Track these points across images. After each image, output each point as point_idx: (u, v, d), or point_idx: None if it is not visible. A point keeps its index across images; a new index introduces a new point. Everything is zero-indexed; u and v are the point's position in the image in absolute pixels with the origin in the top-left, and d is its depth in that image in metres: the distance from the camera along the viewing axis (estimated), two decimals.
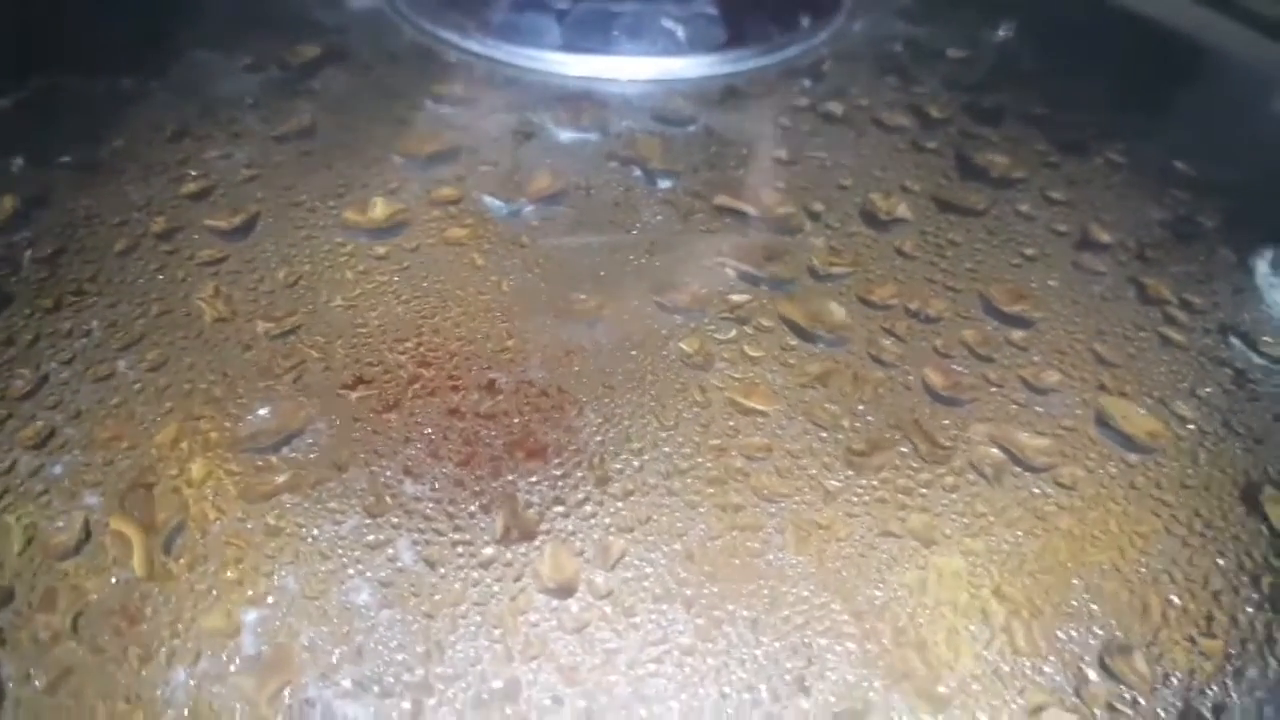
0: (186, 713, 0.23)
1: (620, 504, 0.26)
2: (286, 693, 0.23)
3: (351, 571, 0.25)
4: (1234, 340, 0.32)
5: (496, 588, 0.25)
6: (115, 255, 0.32)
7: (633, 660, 0.24)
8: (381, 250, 0.33)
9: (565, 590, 0.25)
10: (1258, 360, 0.32)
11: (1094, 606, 0.26)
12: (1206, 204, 0.37)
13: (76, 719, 0.23)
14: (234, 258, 0.32)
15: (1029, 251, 0.34)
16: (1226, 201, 0.37)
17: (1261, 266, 0.35)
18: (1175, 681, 0.25)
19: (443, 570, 0.25)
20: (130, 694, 0.23)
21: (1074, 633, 0.25)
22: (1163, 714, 0.24)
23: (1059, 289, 0.33)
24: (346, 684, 0.23)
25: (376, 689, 0.23)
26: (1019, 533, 0.27)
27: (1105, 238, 0.35)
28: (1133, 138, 0.39)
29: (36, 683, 0.24)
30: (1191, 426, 0.30)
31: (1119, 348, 0.31)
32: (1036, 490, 0.28)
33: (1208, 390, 0.31)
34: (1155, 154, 0.39)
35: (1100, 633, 0.25)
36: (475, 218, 0.34)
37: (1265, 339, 0.32)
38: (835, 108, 0.38)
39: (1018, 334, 0.31)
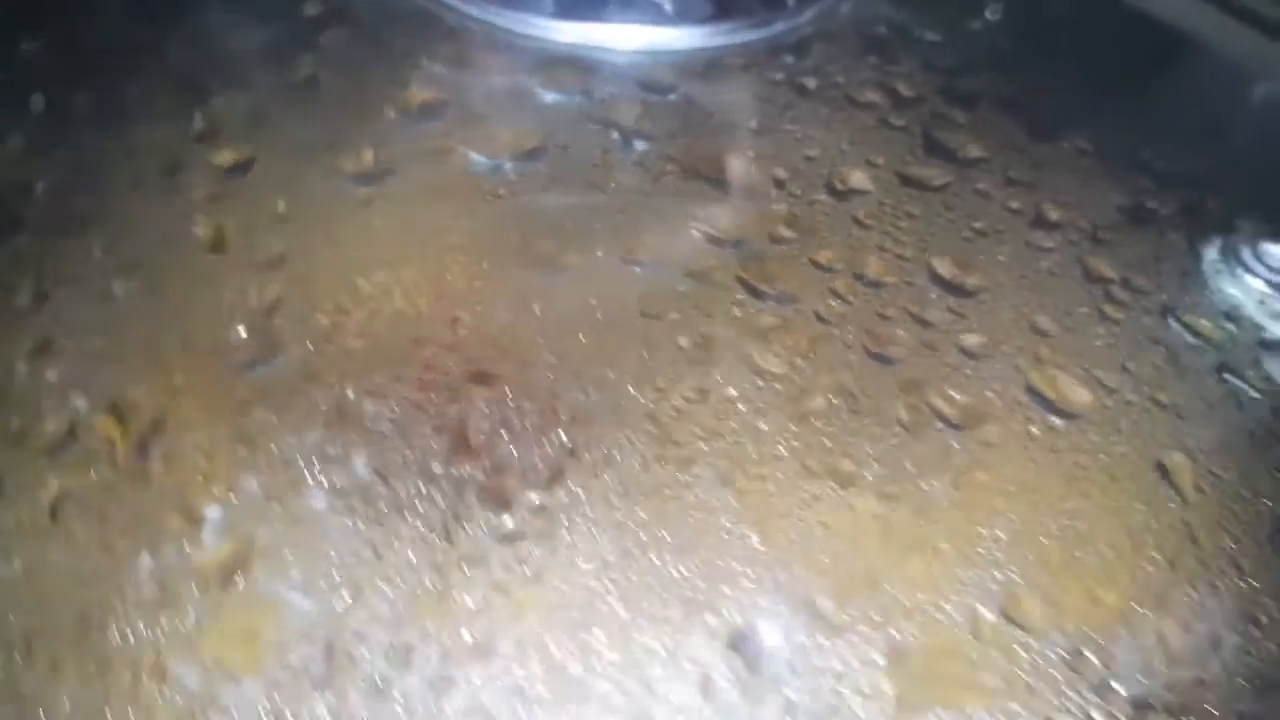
0: (149, 596, 0.25)
1: (562, 431, 0.28)
2: (240, 581, 0.26)
3: (309, 480, 0.27)
4: (1171, 322, 0.33)
5: (440, 500, 0.27)
6: (121, 188, 0.35)
7: (562, 575, 0.26)
8: (366, 194, 0.35)
9: (502, 505, 0.27)
10: (1191, 341, 0.33)
11: (998, 554, 0.27)
12: (1165, 192, 0.38)
13: (50, 599, 0.26)
14: (231, 195, 0.35)
15: (980, 226, 0.35)
16: (1185, 191, 0.38)
17: (1210, 254, 0.36)
18: (1069, 628, 0.27)
19: (392, 482, 0.27)
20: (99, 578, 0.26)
21: (975, 576, 0.27)
22: (1052, 656, 0.26)
23: (1006, 263, 0.34)
24: (295, 576, 0.26)
25: (322, 584, 0.26)
26: (934, 482, 0.28)
27: (1059, 217, 0.36)
28: (1102, 126, 0.40)
29: (15, 564, 0.26)
30: (1117, 396, 0.31)
31: (1058, 320, 0.33)
32: (956, 445, 0.29)
33: (1137, 365, 0.32)
34: (1122, 142, 0.40)
35: (1000, 578, 0.27)
36: (457, 170, 0.36)
37: (1203, 322, 0.34)
38: (811, 83, 0.39)
39: (958, 302, 0.33)
